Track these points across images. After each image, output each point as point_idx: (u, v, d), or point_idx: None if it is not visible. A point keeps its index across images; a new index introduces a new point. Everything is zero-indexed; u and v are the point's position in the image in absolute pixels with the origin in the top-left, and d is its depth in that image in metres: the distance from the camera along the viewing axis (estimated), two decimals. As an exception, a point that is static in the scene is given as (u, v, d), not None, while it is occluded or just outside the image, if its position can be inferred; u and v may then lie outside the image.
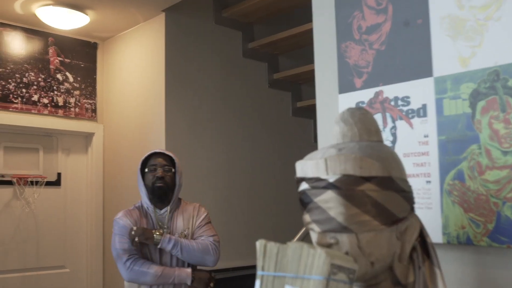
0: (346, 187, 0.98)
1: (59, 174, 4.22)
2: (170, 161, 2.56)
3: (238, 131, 4.20)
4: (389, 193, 1.00)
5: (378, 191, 0.99)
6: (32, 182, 4.02)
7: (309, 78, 4.41)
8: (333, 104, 1.44)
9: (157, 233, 2.42)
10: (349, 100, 1.44)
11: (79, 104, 4.26)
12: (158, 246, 2.41)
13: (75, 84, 4.25)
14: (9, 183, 3.96)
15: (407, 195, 1.03)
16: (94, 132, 4.34)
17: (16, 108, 3.93)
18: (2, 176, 3.93)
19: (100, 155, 4.37)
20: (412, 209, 1.06)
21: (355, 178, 0.98)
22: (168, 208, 2.52)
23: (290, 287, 0.93)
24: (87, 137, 4.39)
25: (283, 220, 4.36)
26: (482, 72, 1.20)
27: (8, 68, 3.90)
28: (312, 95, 4.56)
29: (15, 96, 3.93)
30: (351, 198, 0.98)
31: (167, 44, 3.80)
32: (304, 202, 1.04)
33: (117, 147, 4.28)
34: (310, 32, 3.67)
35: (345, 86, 1.46)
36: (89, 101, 4.32)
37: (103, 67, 4.45)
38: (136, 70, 4.11)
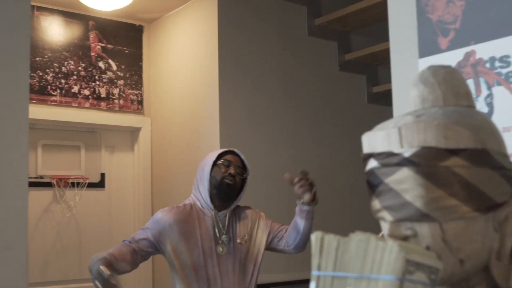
0: (427, 162, 0.88)
1: (102, 175, 4.33)
2: (245, 167, 2.61)
3: (304, 121, 4.16)
4: (484, 170, 0.90)
5: (469, 167, 0.89)
6: (73, 184, 4.13)
7: (387, 59, 4.28)
8: (411, 71, 1.34)
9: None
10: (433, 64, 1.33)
11: (124, 95, 4.33)
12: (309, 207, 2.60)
13: (118, 73, 4.33)
14: (48, 185, 4.08)
15: (507, 174, 0.93)
16: (140, 126, 4.41)
17: (55, 101, 4.03)
18: (41, 177, 4.05)
19: (148, 152, 4.44)
20: (515, 192, 0.95)
21: (438, 150, 0.88)
22: (228, 211, 2.53)
23: (352, 290, 0.84)
24: (133, 132, 4.47)
25: (359, 224, 4.24)
26: None
27: (46, 56, 4.01)
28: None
29: (54, 87, 4.04)
30: (433, 176, 0.88)
31: (220, 23, 3.83)
32: (373, 185, 0.95)
33: (166, 143, 4.33)
34: (385, 4, 3.60)
35: (427, 48, 1.35)
36: (135, 91, 4.39)
37: (150, 53, 4.51)
38: (186, 54, 4.15)
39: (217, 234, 2.49)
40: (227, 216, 2.53)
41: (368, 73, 4.54)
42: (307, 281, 3.24)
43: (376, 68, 4.59)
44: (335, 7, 4.31)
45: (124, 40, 4.38)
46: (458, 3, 1.32)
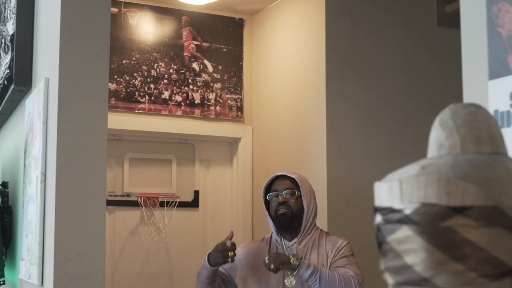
0: (427, 221, 0.94)
1: (196, 192, 4.55)
2: (296, 183, 2.92)
3: (430, 126, 4.09)
4: (495, 230, 0.94)
5: (476, 227, 0.93)
6: (162, 203, 4.38)
7: None
8: (481, 96, 1.39)
9: (293, 258, 2.74)
10: (503, 88, 1.37)
11: (221, 100, 4.55)
12: (295, 273, 2.75)
13: (215, 75, 4.55)
14: (135, 204, 4.36)
15: None
16: (240, 136, 4.59)
17: (143, 109, 4.33)
18: (127, 195, 4.35)
19: (249, 166, 4.61)
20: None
21: (440, 208, 0.94)
22: (296, 239, 2.83)
23: None
24: (232, 143, 4.67)
25: None
26: None
27: (134, 59, 4.32)
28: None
29: (142, 94, 4.34)
30: (435, 237, 0.94)
31: (328, 12, 3.91)
32: (378, 242, 1.02)
33: (269, 155, 4.48)
34: None
35: (497, 68, 1.39)
36: (234, 96, 4.60)
37: (252, 51, 4.70)
38: (292, 51, 4.27)
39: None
40: (297, 245, 2.91)
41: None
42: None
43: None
44: None
45: (222, 36, 4.59)
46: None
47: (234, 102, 4.61)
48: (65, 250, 2.94)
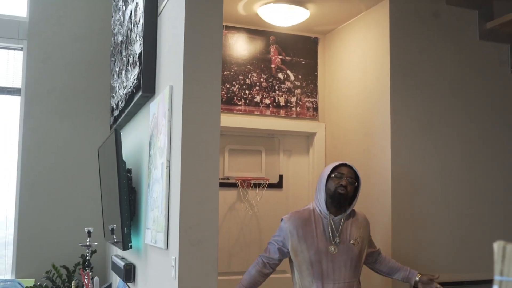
0: None
1: (280, 176, 4.60)
2: (356, 176, 2.93)
3: (477, 129, 4.08)
4: None
5: None
6: (254, 185, 4.45)
7: None
8: None
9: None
10: None
11: (300, 103, 4.58)
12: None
13: (296, 83, 4.58)
14: (233, 185, 4.44)
15: None
16: (315, 131, 4.61)
17: (240, 110, 4.40)
18: (227, 178, 4.42)
19: (322, 155, 4.63)
20: None
21: None
22: (344, 216, 2.86)
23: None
24: (309, 137, 4.69)
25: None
26: None
27: (232, 70, 4.39)
28: None
29: (239, 98, 4.40)
30: None
31: (391, 32, 3.88)
32: None
33: (338, 147, 4.47)
34: None
35: None
36: (310, 99, 4.62)
37: (324, 63, 4.70)
38: (358, 63, 4.25)
39: (331, 236, 2.85)
40: (342, 220, 2.89)
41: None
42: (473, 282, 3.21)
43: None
44: (508, 9, 4.16)
45: (301, 52, 4.62)
46: None
47: (311, 104, 4.62)
48: (188, 220, 2.98)
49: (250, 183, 4.44)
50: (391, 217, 3.66)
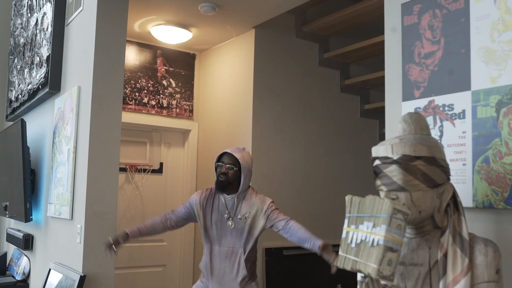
0: (404, 162, 1.29)
1: (161, 164, 4.67)
2: (237, 161, 2.82)
3: (314, 131, 4.34)
4: (433, 167, 1.31)
5: (425, 165, 1.30)
6: (140, 170, 4.53)
7: (377, 84, 4.52)
8: (397, 109, 1.86)
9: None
10: (410, 106, 1.79)
11: (179, 105, 4.69)
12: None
13: (176, 89, 4.70)
14: (123, 169, 4.47)
15: (445, 169, 1.35)
16: (190, 129, 4.74)
17: (131, 108, 4.47)
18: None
19: (195, 148, 4.76)
20: (448, 179, 1.37)
21: (410, 157, 1.30)
22: (235, 196, 2.86)
23: (367, 223, 1.34)
24: (185, 133, 4.79)
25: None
26: (505, 88, 1.60)
27: (126, 76, 4.46)
28: (379, 99, 4.68)
29: (130, 99, 4.48)
30: (407, 169, 1.29)
31: (255, 55, 4.07)
32: (376, 173, 1.44)
33: (209, 142, 4.61)
34: (379, 44, 3.91)
35: (407, 95, 1.85)
36: (187, 103, 4.75)
37: (200, 74, 4.81)
38: (228, 77, 4.39)
39: (223, 211, 2.85)
40: (235, 199, 2.84)
41: (362, 94, 4.70)
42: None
43: (368, 91, 4.76)
44: (340, 44, 4.51)
45: (181, 64, 4.73)
46: (426, 71, 1.86)
47: (187, 107, 4.74)
48: (93, 195, 3.05)
49: (137, 168, 4.49)
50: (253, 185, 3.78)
